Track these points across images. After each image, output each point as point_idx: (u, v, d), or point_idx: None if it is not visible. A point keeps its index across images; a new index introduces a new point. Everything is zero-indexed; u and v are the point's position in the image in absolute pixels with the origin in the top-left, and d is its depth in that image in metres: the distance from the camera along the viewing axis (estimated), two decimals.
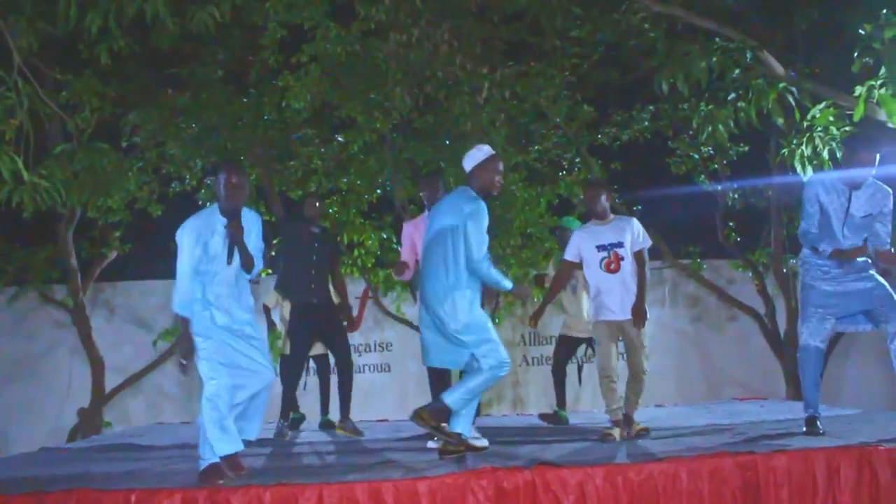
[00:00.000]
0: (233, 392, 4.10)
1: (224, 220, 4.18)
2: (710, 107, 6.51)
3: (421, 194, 5.55)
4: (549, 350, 10.31)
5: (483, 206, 4.34)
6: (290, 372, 5.91)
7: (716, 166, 9.61)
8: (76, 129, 6.83)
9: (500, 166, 4.52)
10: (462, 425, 4.32)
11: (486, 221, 4.31)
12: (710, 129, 6.37)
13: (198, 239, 4.17)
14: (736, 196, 9.80)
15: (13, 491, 3.76)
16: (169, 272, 10.02)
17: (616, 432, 5.02)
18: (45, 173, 5.81)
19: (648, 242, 5.20)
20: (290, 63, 7.27)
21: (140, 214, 9.15)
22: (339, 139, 8.43)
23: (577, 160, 9.21)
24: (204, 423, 4.03)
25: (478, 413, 5.93)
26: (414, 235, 5.43)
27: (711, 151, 9.54)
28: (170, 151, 8.38)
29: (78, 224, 9.12)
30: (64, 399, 9.59)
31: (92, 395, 9.14)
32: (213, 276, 4.16)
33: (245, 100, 8.59)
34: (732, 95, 6.24)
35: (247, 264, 4.23)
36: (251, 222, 4.31)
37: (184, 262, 4.16)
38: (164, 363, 9.77)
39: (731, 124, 6.25)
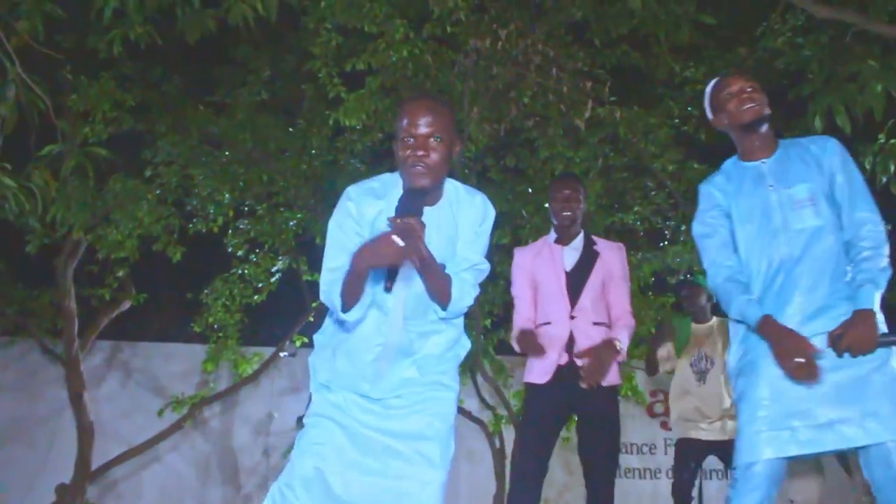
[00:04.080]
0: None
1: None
2: (892, 141, 4.81)
3: (554, 205, 3.64)
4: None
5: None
6: None
7: None
8: (66, 130, 5.47)
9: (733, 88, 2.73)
10: None
11: None
12: (893, 168, 4.67)
13: (356, 213, 2.22)
14: None
15: None
16: (194, 335, 8.70)
17: None
18: (10, 169, 4.43)
19: None
20: (343, 72, 5.87)
21: (159, 258, 7.59)
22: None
23: (683, 228, 7.47)
24: None
25: None
26: (534, 267, 3.59)
27: None
28: (194, 182, 6.87)
29: (85, 262, 7.60)
30: (58, 471, 8.01)
31: (75, 470, 7.49)
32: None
33: (291, 129, 7.24)
34: None
35: (436, 290, 2.17)
36: (465, 213, 2.25)
37: (328, 251, 2.24)
38: (172, 435, 8.15)
39: None
